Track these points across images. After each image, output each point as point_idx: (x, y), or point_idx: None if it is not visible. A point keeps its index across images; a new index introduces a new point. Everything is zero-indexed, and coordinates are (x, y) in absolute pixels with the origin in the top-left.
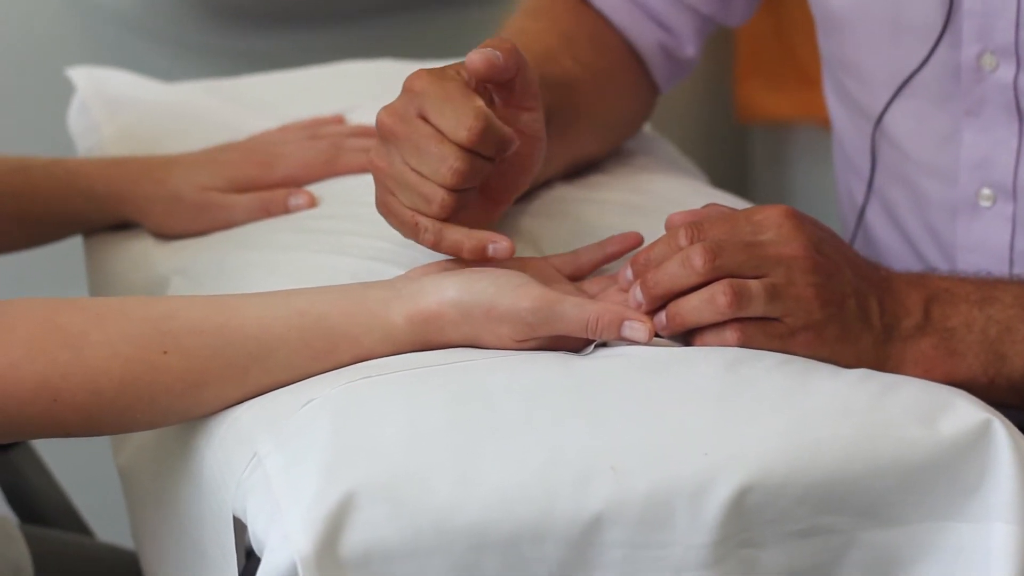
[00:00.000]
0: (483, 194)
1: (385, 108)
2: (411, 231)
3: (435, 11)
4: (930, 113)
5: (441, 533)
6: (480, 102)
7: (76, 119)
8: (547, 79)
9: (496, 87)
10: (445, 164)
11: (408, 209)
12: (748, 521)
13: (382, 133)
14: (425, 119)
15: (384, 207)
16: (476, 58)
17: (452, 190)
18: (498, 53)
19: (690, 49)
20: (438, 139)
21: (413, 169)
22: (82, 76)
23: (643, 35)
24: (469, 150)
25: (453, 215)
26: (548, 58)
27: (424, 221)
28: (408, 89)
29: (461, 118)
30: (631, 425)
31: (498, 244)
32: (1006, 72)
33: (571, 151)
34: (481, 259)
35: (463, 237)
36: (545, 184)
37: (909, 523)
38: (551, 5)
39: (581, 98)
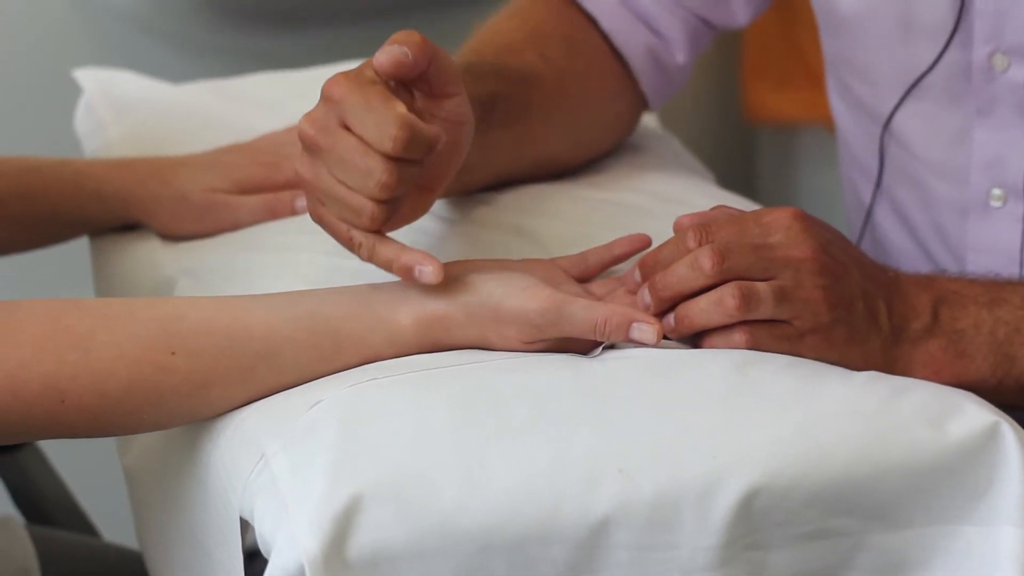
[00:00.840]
0: (419, 188)
1: (305, 117)
2: (346, 244)
3: (441, 11)
4: (940, 113)
5: (448, 535)
6: (402, 108)
7: (82, 120)
8: (502, 69)
9: (411, 81)
10: (372, 178)
11: (341, 222)
12: (756, 523)
13: (305, 144)
14: (348, 129)
15: (318, 219)
16: (383, 59)
17: (381, 202)
18: (405, 49)
19: (681, 56)
20: (363, 150)
21: (340, 181)
22: (88, 78)
23: (631, 39)
24: (395, 159)
25: (386, 221)
26: (510, 50)
27: (358, 235)
28: (327, 97)
29: (384, 127)
30: (638, 427)
31: (424, 268)
32: (1018, 72)
33: (522, 144)
34: (408, 279)
35: (394, 255)
36: (549, 182)
37: (917, 526)
38: (530, 5)
39: (538, 93)
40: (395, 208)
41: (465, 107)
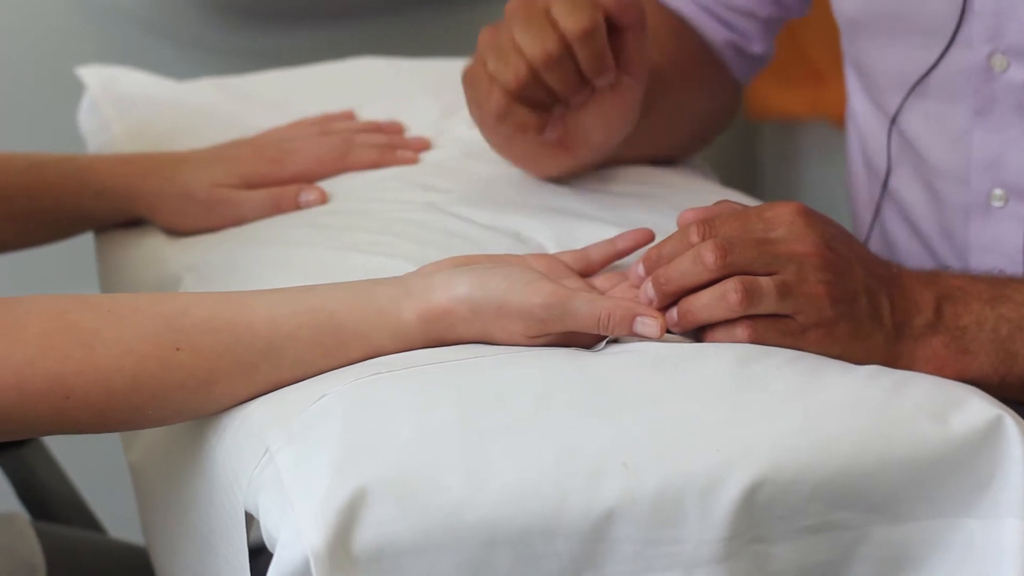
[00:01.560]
0: (559, 141)
1: None
2: (482, 98)
3: (447, 8)
4: (942, 113)
5: (452, 529)
6: (600, 13)
7: (86, 118)
8: None
9: (612, 37)
10: (538, 42)
11: (486, 76)
12: (759, 517)
13: (507, 12)
14: (547, 7)
15: (468, 75)
16: None
17: (531, 67)
18: None
19: (758, 47)
20: (547, 22)
21: (513, 40)
22: (92, 75)
23: (712, 33)
24: (567, 43)
25: (522, 95)
26: None
27: (496, 94)
28: None
29: (575, 13)
30: (642, 421)
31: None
32: (1017, 72)
33: (648, 134)
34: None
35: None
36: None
37: (920, 519)
38: None
39: (662, 83)
40: (537, 99)
41: (636, 93)
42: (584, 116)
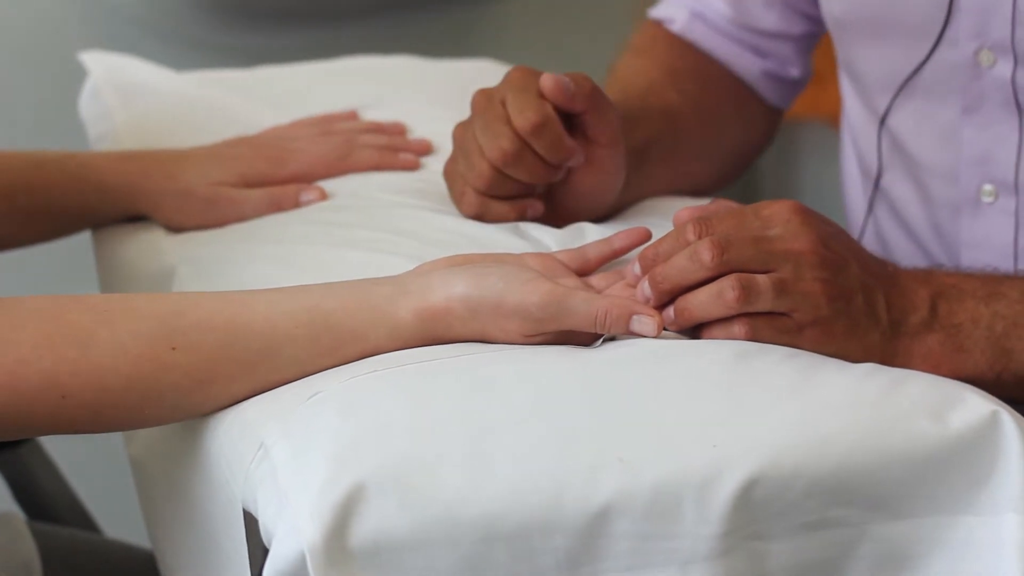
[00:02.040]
0: (548, 215)
1: (482, 88)
2: (457, 198)
3: (448, 8)
4: (930, 111)
5: (450, 524)
6: (549, 108)
7: (88, 105)
8: (650, 110)
9: (575, 117)
10: (495, 142)
11: (459, 176)
12: (756, 513)
13: (472, 108)
14: (502, 103)
15: (446, 173)
16: (547, 80)
17: (494, 167)
18: (569, 81)
19: (795, 70)
20: (503, 120)
21: (477, 141)
22: (95, 61)
23: (745, 65)
24: (523, 139)
25: (494, 191)
26: (652, 91)
27: (469, 194)
28: (506, 77)
29: (524, 108)
30: (639, 417)
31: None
32: (1004, 68)
33: (673, 175)
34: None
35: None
36: None
37: (918, 516)
38: (654, 43)
39: (684, 127)
40: (508, 192)
41: (617, 159)
42: (565, 192)
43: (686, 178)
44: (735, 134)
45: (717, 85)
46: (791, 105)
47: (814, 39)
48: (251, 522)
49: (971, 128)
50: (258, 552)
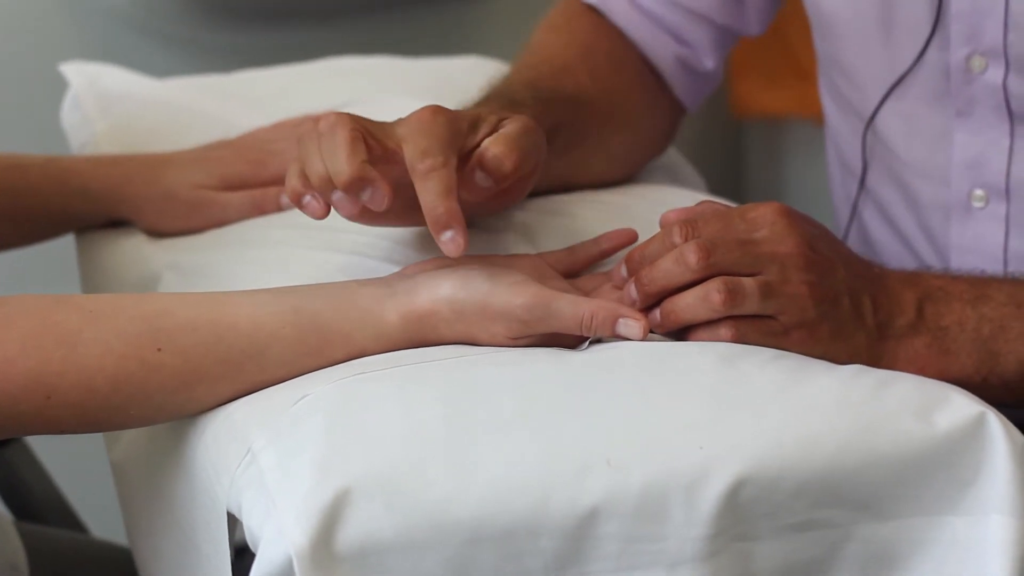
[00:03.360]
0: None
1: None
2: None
3: (429, 8)
4: (921, 114)
5: (437, 527)
6: (360, 157)
7: (69, 114)
8: (560, 93)
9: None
10: (339, 157)
11: (298, 169)
12: (743, 514)
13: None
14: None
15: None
16: (488, 151)
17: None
18: (483, 176)
19: (709, 62)
20: (349, 146)
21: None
22: (75, 71)
23: (660, 49)
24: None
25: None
26: (565, 70)
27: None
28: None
29: (337, 160)
30: (626, 418)
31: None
32: (995, 73)
33: (575, 168)
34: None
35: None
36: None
37: (905, 517)
38: (570, 20)
39: (592, 117)
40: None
41: (528, 188)
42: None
43: (585, 169)
44: (641, 126)
45: (628, 70)
46: (697, 107)
47: (732, 38)
48: (231, 525)
49: (963, 132)
50: (233, 555)
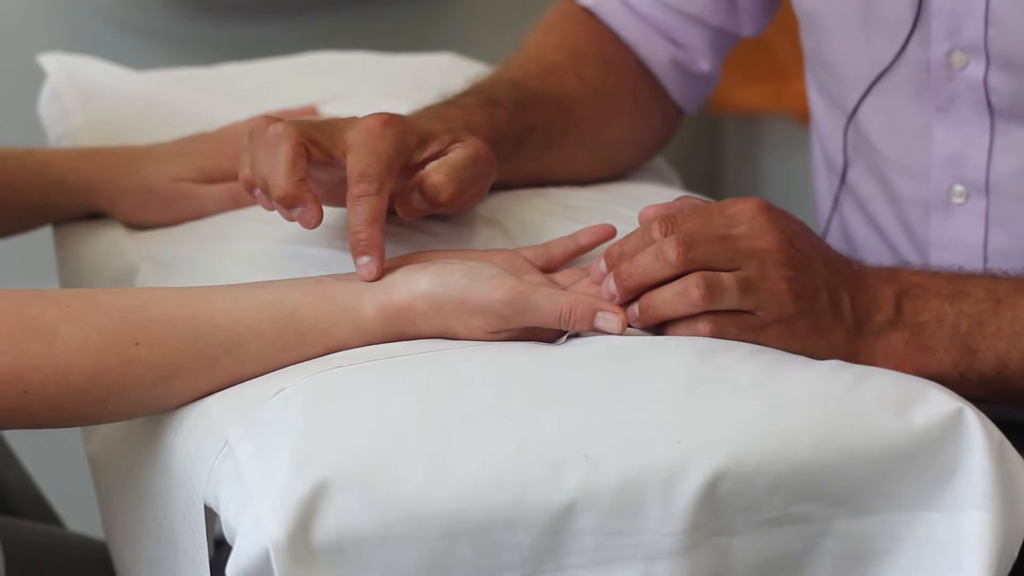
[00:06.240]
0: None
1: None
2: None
3: (407, 3)
4: (901, 110)
5: (413, 520)
6: (297, 176)
7: (47, 107)
8: (543, 93)
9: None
10: (279, 168)
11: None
12: (720, 509)
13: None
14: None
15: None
16: (430, 180)
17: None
18: (421, 200)
19: (704, 64)
20: (288, 161)
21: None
22: (54, 63)
23: (654, 51)
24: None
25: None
26: (551, 71)
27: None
28: (360, 123)
29: (277, 172)
30: (603, 412)
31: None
32: (976, 69)
33: (552, 168)
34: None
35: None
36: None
37: (882, 512)
38: (563, 21)
39: (574, 118)
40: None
41: (478, 201)
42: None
43: (563, 167)
44: (626, 126)
45: (619, 71)
46: (695, 108)
47: (729, 40)
48: (210, 518)
49: (943, 128)
50: (213, 548)
